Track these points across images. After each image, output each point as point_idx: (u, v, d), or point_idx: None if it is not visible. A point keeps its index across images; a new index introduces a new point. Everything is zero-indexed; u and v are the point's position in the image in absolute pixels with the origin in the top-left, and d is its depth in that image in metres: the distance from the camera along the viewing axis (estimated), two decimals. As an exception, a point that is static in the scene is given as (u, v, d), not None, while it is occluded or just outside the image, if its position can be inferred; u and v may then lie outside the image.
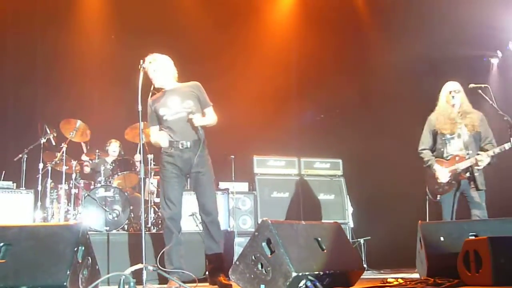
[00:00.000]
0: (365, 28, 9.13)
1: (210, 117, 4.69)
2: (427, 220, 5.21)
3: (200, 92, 4.73)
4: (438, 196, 5.17)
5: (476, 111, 5.18)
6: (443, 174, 5.10)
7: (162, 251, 4.52)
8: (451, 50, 8.21)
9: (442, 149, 5.18)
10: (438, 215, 5.24)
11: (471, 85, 5.18)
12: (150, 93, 6.54)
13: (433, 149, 5.30)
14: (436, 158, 5.21)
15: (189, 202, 5.66)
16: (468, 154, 5.06)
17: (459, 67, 7.93)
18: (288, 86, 9.36)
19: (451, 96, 5.15)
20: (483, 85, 5.11)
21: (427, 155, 5.27)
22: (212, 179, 4.72)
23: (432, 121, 5.28)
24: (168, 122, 4.63)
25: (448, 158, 5.14)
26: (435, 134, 5.25)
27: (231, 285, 4.45)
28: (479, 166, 4.98)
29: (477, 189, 5.02)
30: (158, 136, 4.64)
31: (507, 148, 4.86)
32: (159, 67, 4.67)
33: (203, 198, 4.63)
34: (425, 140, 5.32)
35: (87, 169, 7.27)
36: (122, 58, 7.74)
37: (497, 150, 4.93)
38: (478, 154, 4.98)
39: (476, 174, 5.01)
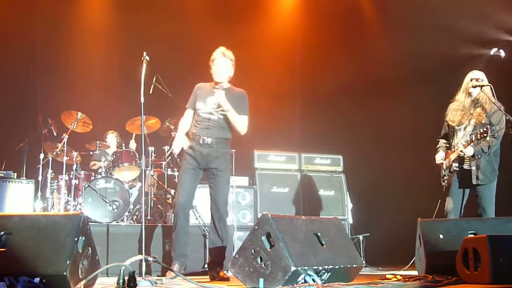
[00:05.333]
0: (369, 23, 9.09)
1: (238, 117, 4.77)
2: (436, 211, 5.18)
3: (241, 100, 4.85)
4: (445, 183, 5.15)
5: (493, 103, 4.92)
6: (441, 161, 5.17)
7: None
8: (454, 47, 8.21)
9: (450, 140, 5.20)
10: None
11: (473, 83, 5.13)
12: (152, 86, 6.54)
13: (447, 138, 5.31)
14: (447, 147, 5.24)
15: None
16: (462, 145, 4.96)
17: (462, 64, 7.93)
18: (290, 81, 9.34)
19: (471, 84, 4.99)
20: (485, 84, 5.05)
21: (439, 143, 5.32)
22: (227, 178, 4.82)
23: (447, 111, 5.24)
24: (199, 116, 4.80)
25: (451, 148, 5.16)
26: (447, 125, 5.24)
27: (228, 278, 4.48)
28: (466, 157, 4.92)
29: (473, 183, 4.94)
30: (179, 136, 4.89)
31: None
32: (232, 66, 4.87)
33: (215, 195, 4.75)
34: (443, 130, 5.33)
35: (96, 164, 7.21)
36: (125, 50, 7.73)
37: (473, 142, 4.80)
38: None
39: (468, 167, 4.96)
